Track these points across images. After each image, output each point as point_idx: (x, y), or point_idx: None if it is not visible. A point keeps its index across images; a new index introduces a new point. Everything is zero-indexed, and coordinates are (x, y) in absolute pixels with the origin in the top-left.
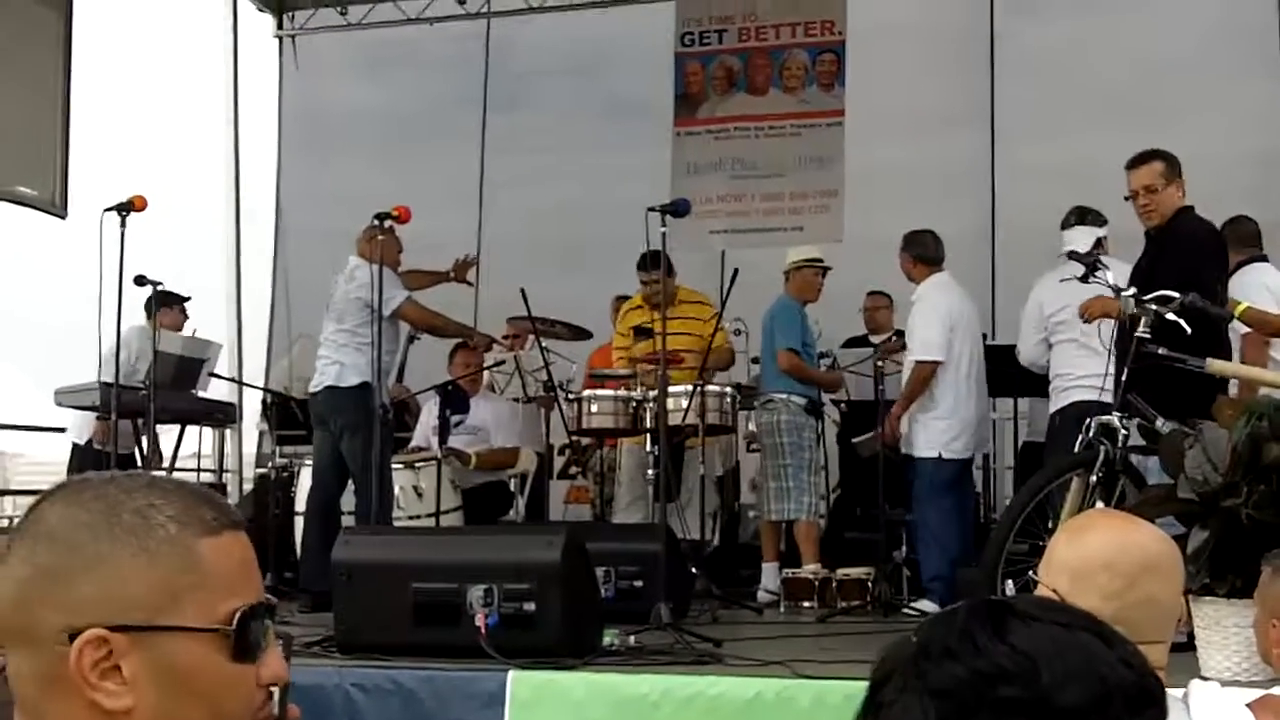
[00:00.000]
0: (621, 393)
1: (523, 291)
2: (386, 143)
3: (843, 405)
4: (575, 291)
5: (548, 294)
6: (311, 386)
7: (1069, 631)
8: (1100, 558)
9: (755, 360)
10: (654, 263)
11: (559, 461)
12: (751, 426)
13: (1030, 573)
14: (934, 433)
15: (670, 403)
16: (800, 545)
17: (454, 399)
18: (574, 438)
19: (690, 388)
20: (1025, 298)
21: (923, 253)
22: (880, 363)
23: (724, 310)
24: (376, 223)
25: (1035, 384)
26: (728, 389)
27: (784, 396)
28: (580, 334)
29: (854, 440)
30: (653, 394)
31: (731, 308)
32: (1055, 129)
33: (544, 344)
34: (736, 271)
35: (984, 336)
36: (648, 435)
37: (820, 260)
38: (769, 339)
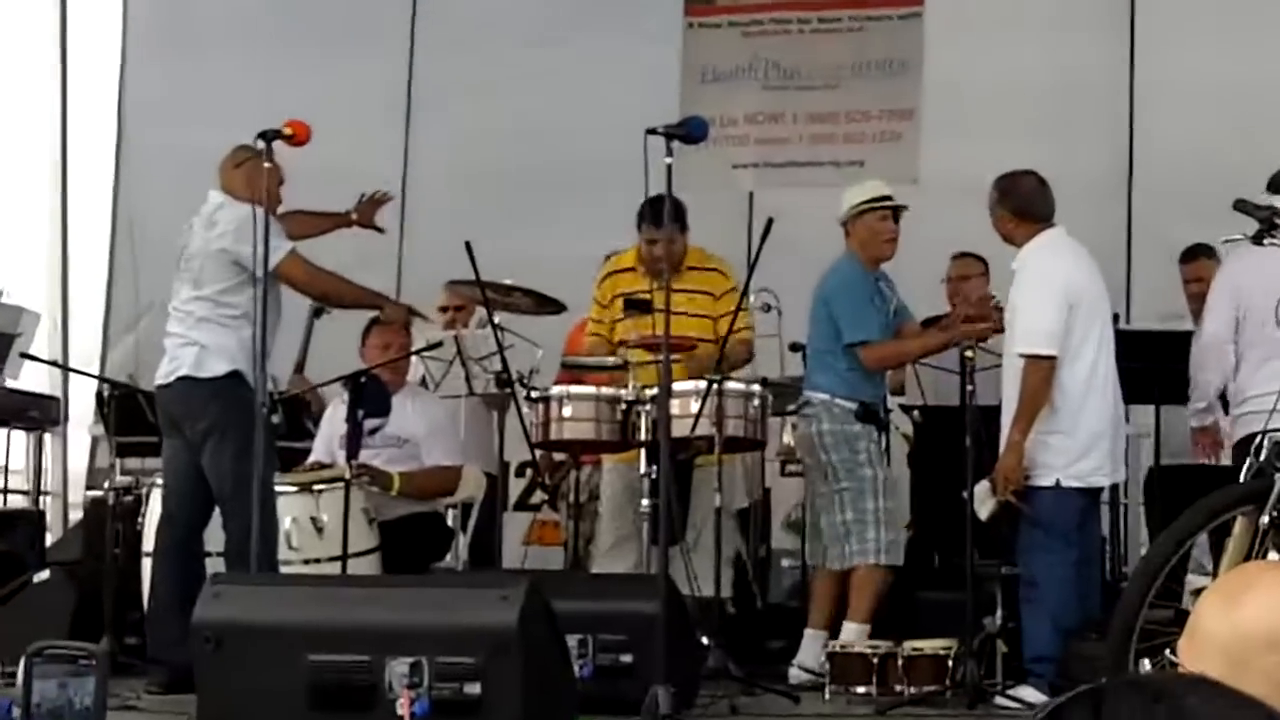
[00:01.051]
0: (607, 390)
1: (468, 246)
2: (276, 37)
3: (915, 413)
4: (542, 246)
5: (504, 250)
6: (160, 377)
7: None
8: (1267, 631)
9: (795, 348)
10: (661, 215)
11: (518, 486)
12: (788, 438)
13: (1168, 650)
14: (1049, 452)
15: (675, 405)
16: (853, 598)
17: (370, 397)
18: (539, 453)
19: (702, 385)
20: (1171, 262)
21: (1025, 205)
22: (969, 352)
23: (751, 277)
24: (258, 144)
25: (1177, 388)
26: (755, 387)
27: (823, 399)
28: (549, 306)
29: (968, 494)
30: (651, 392)
31: (764, 273)
32: (1218, 34)
33: (497, 320)
34: (770, 223)
35: (1114, 318)
36: (642, 451)
37: (890, 199)
38: (823, 324)
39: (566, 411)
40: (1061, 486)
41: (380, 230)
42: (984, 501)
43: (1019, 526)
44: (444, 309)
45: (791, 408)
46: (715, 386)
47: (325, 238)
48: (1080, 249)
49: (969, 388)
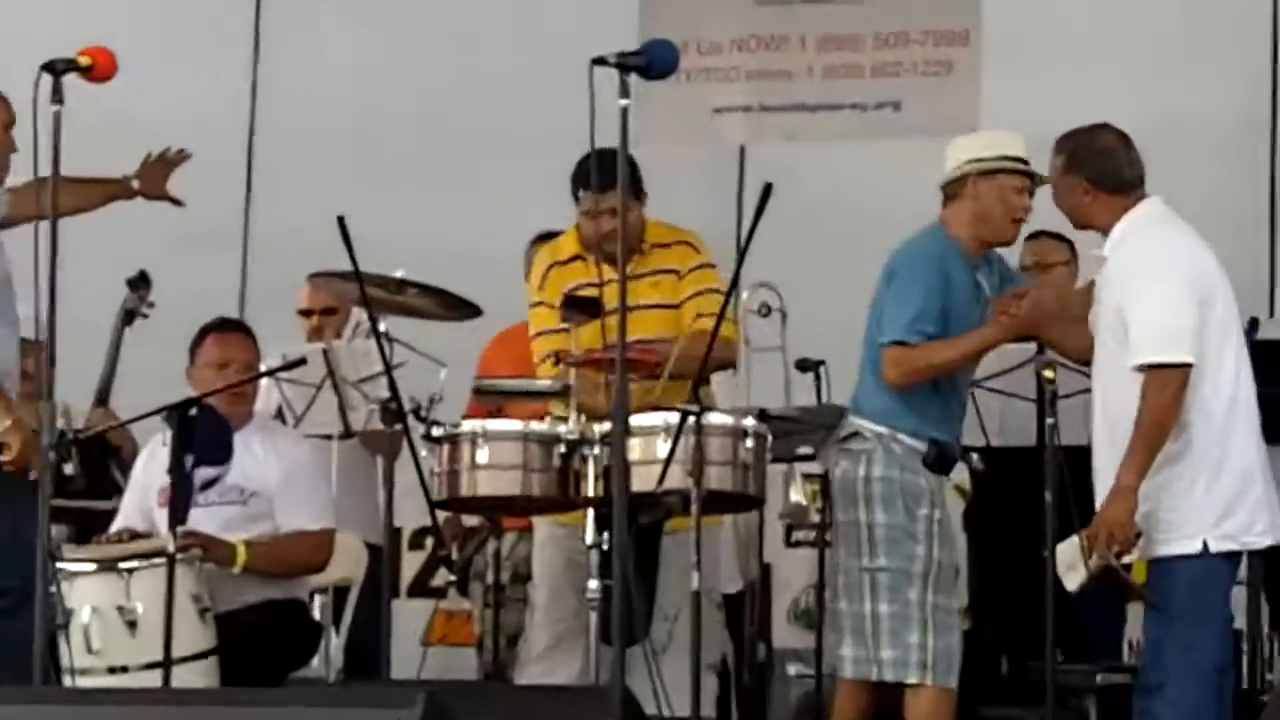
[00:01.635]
0: (539, 426)
1: (341, 223)
2: None
3: (974, 458)
4: (448, 226)
5: (393, 230)
6: None
7: None
8: None
9: (804, 366)
10: (608, 176)
11: (413, 562)
12: (795, 494)
13: None
14: (1186, 502)
15: (636, 446)
16: None
17: (203, 436)
18: (444, 515)
19: (672, 419)
20: None
21: (1108, 170)
22: (1048, 372)
23: (742, 264)
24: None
25: None
26: (749, 421)
27: (879, 431)
28: (458, 310)
29: (1048, 553)
30: (600, 429)
31: (761, 261)
32: None
33: (383, 329)
34: (769, 190)
35: (1252, 323)
36: (590, 512)
37: (1025, 161)
38: (876, 321)
39: (482, 456)
40: (1210, 552)
41: (176, 202)
42: (1072, 566)
43: (1121, 607)
44: (307, 312)
45: (804, 450)
46: (692, 420)
47: (131, 208)
48: (1189, 229)
49: (1049, 421)
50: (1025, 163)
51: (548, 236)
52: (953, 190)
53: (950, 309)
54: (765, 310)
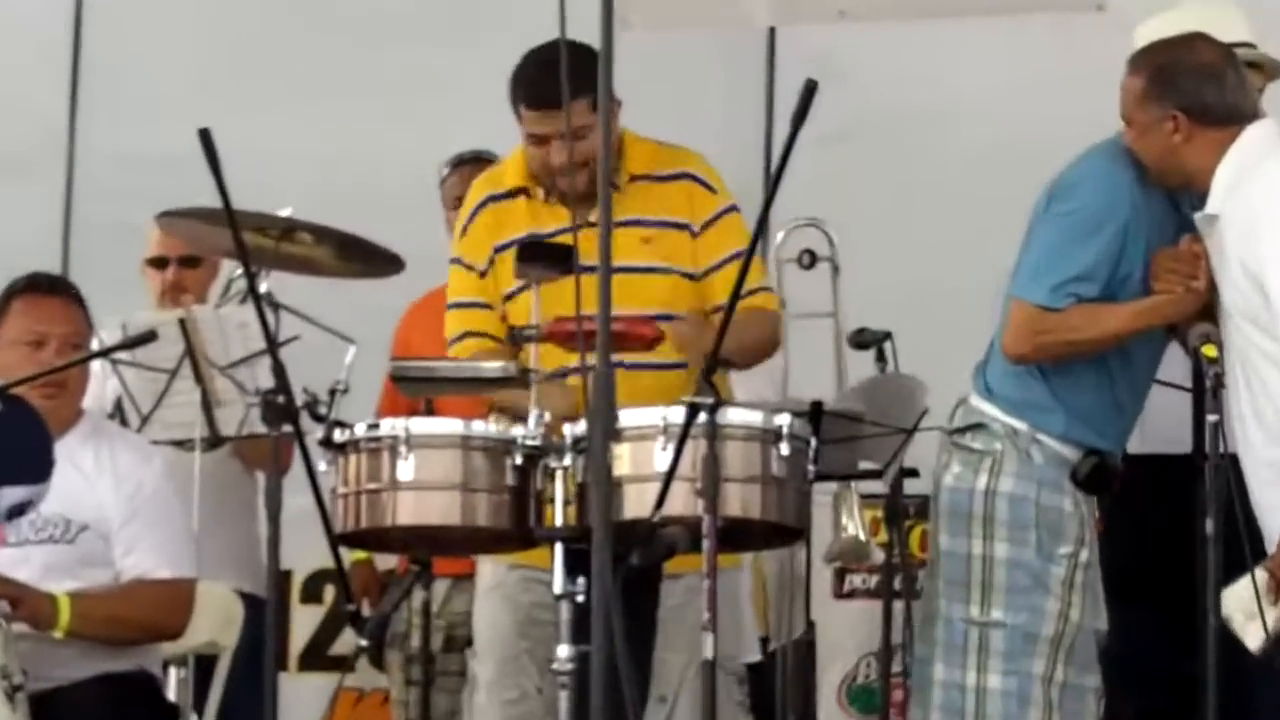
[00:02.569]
0: (486, 428)
1: (204, 138)
2: None
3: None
4: (352, 150)
5: (277, 153)
6: None
7: None
8: None
9: (863, 344)
10: (550, 84)
11: (307, 619)
12: (849, 526)
13: None
14: None
15: (624, 455)
16: None
17: (8, 442)
18: (351, 555)
19: (674, 415)
20: None
21: (1207, 100)
22: (1207, 348)
23: (774, 196)
24: None
25: None
26: (782, 419)
27: (1018, 429)
28: (371, 263)
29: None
30: (573, 431)
31: (795, 194)
32: None
33: (265, 289)
34: (813, 90)
35: None
36: (556, 549)
37: (1254, 46)
38: (1019, 263)
39: (405, 470)
40: None
41: None
42: (1251, 617)
43: None
44: (159, 262)
45: (867, 466)
46: (705, 415)
47: None
48: None
49: (1211, 419)
50: (1251, 46)
51: (475, 161)
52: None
53: (1132, 261)
54: (808, 260)
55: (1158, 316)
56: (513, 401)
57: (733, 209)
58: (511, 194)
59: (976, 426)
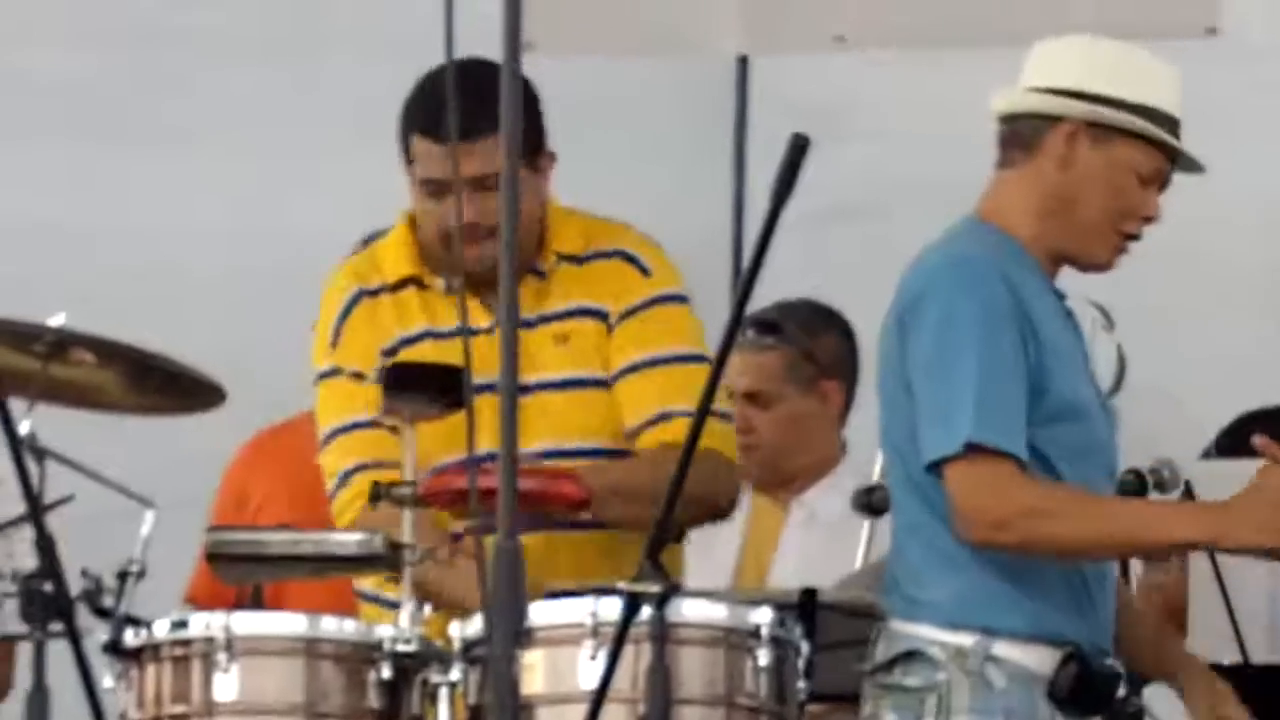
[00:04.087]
0: (339, 626)
1: None
2: None
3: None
4: (130, 213)
5: (23, 217)
6: None
7: None
8: None
9: (874, 504)
10: (478, 112)
11: None
12: None
13: None
14: None
15: (534, 668)
16: None
17: None
18: None
19: (605, 611)
20: None
21: None
22: None
23: (753, 282)
24: None
25: None
26: (761, 616)
27: (963, 646)
28: (177, 392)
29: None
30: (464, 631)
31: (782, 277)
32: None
33: (26, 429)
34: (802, 148)
35: None
36: None
37: (1177, 126)
38: (900, 425)
39: (226, 686)
40: None
41: None
42: None
43: None
44: None
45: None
46: (650, 609)
47: None
48: None
49: None
50: (1177, 129)
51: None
52: (1024, 139)
53: (1047, 371)
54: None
55: (1208, 534)
56: (448, 587)
57: (674, 299)
58: (394, 287)
59: (906, 657)
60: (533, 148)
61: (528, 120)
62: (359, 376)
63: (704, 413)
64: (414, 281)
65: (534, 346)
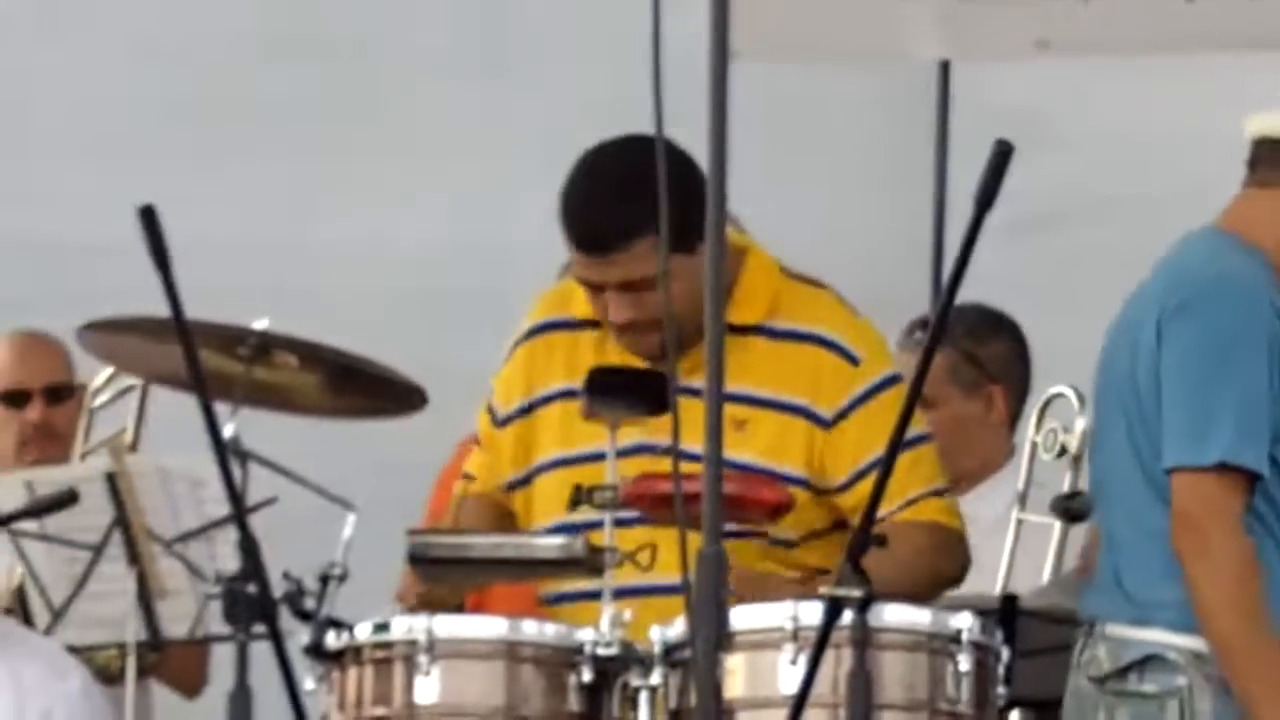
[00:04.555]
0: (540, 630)
1: (146, 216)
2: None
3: None
4: (333, 225)
5: (227, 229)
6: None
7: None
8: None
9: (1078, 512)
10: (606, 222)
11: None
12: None
13: None
14: None
15: (735, 673)
16: None
17: None
18: None
19: (806, 615)
20: None
21: None
22: None
23: (948, 312)
24: None
25: None
26: (962, 622)
27: (1197, 649)
28: (380, 397)
29: None
30: (665, 636)
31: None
32: None
33: (229, 428)
34: (1006, 155)
35: None
36: None
37: None
38: (1143, 425)
39: (428, 689)
40: None
41: None
42: None
43: None
44: (13, 397)
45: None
46: (852, 614)
47: None
48: None
49: None
50: None
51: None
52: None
53: None
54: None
55: None
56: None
57: (888, 383)
58: (578, 325)
59: (1142, 662)
60: (693, 238)
61: (687, 212)
62: (491, 412)
63: (903, 428)
64: (595, 324)
65: (698, 417)
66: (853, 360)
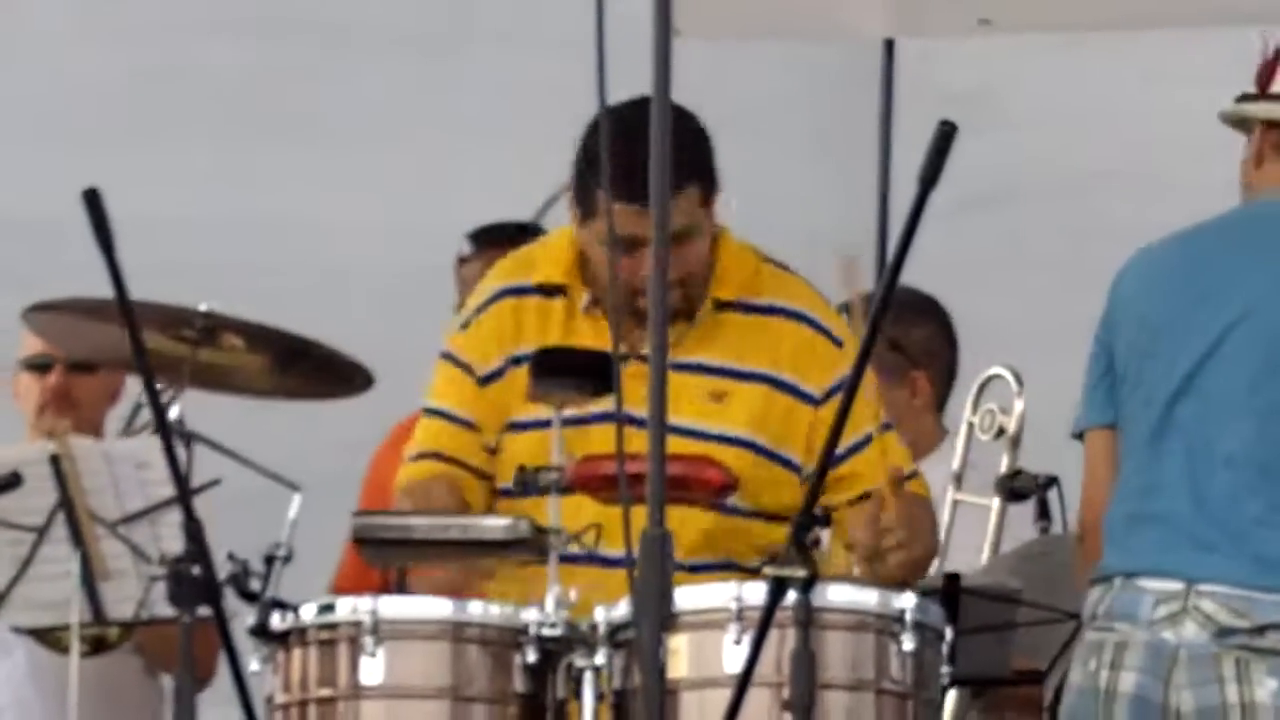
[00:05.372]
0: (484, 610)
1: (90, 199)
2: None
3: None
4: (278, 205)
5: (191, 219)
6: None
7: None
8: None
9: (1021, 491)
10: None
11: None
12: None
13: None
14: None
15: (679, 653)
16: None
17: None
18: None
19: (749, 595)
20: None
21: None
22: None
23: (893, 284)
24: None
25: None
26: (905, 601)
27: None
28: (323, 377)
29: None
30: (606, 616)
31: (931, 277)
32: None
33: (174, 409)
34: (948, 136)
35: None
36: None
37: None
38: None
39: (372, 670)
40: None
41: None
42: None
43: None
44: (36, 365)
45: (1016, 670)
46: (796, 594)
47: None
48: None
49: None
50: None
51: (515, 237)
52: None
53: None
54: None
55: None
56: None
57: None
58: (546, 291)
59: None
60: (710, 193)
61: (707, 166)
62: (468, 371)
63: (852, 391)
64: (561, 291)
65: (677, 392)
66: (836, 342)
